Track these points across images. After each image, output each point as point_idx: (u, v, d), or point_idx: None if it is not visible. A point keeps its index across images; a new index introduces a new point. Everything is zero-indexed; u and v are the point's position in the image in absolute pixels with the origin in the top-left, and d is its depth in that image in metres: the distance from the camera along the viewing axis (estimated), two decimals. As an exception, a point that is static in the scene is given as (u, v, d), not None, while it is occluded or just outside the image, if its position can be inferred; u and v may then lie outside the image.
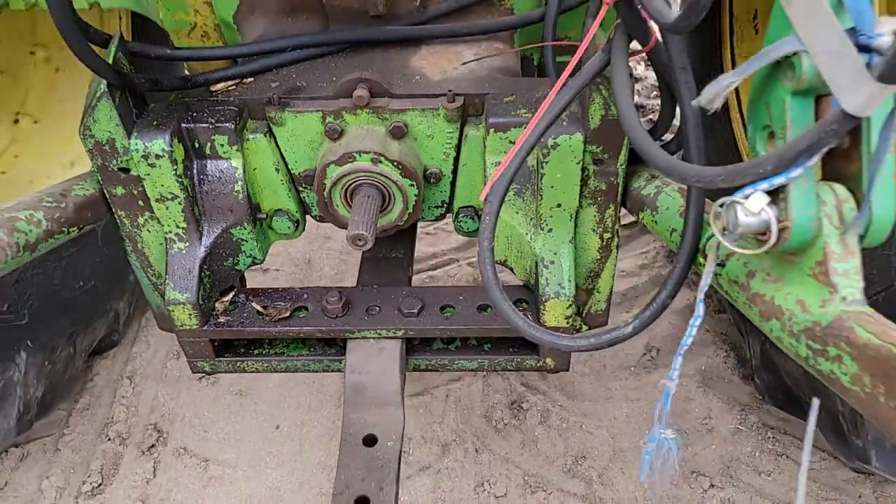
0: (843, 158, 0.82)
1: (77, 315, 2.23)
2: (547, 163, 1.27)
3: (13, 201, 1.25)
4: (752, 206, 0.79)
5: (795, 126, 0.80)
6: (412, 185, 1.37)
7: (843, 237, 0.79)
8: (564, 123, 1.25)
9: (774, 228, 0.79)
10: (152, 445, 2.24)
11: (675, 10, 0.91)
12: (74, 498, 2.11)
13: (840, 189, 0.81)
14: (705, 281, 0.94)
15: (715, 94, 0.86)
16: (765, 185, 0.78)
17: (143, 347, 2.55)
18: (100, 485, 2.14)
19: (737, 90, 2.50)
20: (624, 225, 2.91)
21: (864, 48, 0.71)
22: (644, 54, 1.13)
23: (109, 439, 2.26)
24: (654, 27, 1.09)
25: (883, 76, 0.65)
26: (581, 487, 2.06)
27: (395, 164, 1.33)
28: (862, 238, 0.80)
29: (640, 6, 1.01)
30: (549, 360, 1.50)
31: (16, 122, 2.58)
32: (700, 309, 0.97)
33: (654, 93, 3.75)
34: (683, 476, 2.07)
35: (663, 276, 2.71)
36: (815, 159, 0.75)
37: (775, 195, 0.80)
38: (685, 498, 2.02)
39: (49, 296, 2.08)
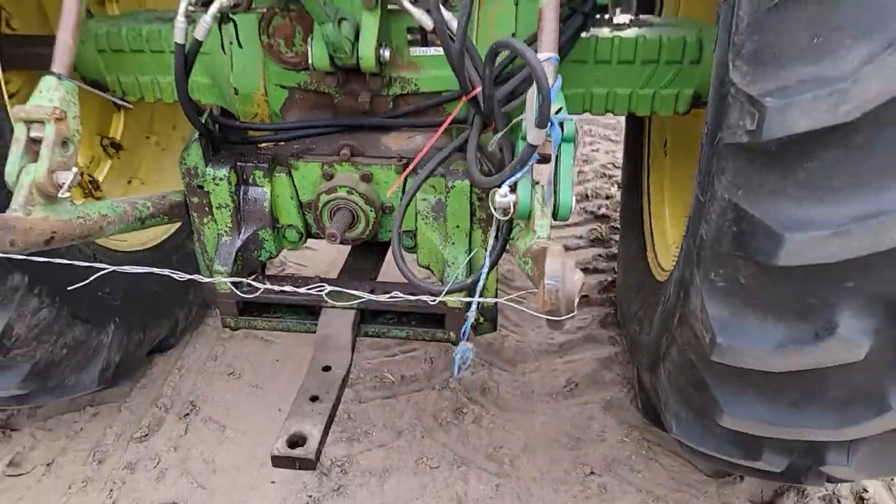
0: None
1: (150, 312, 3.03)
2: (449, 197, 2.05)
3: (139, 195, 2.10)
4: (501, 192, 1.54)
5: (518, 153, 1.57)
6: (372, 211, 2.16)
7: (543, 209, 1.53)
8: (460, 173, 2.04)
9: (511, 205, 1.54)
10: (187, 414, 2.95)
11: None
12: (127, 441, 2.83)
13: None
14: (491, 243, 1.69)
15: (497, 140, 1.65)
16: (508, 182, 1.54)
17: (191, 351, 3.32)
18: (146, 435, 2.86)
19: (650, 206, 3.25)
20: (572, 298, 3.61)
21: (543, 116, 1.49)
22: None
23: (157, 407, 2.99)
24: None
25: (537, 125, 1.43)
26: (495, 467, 2.66)
27: (362, 195, 2.14)
28: (555, 213, 1.54)
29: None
30: (451, 334, 2.21)
31: (129, 182, 3.53)
32: (487, 261, 1.71)
33: (602, 174, 4.60)
34: (573, 465, 2.65)
35: (596, 335, 3.37)
36: (526, 169, 1.51)
37: (514, 189, 1.55)
38: (570, 479, 2.60)
39: (135, 293, 2.89)
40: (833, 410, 1.71)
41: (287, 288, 1.92)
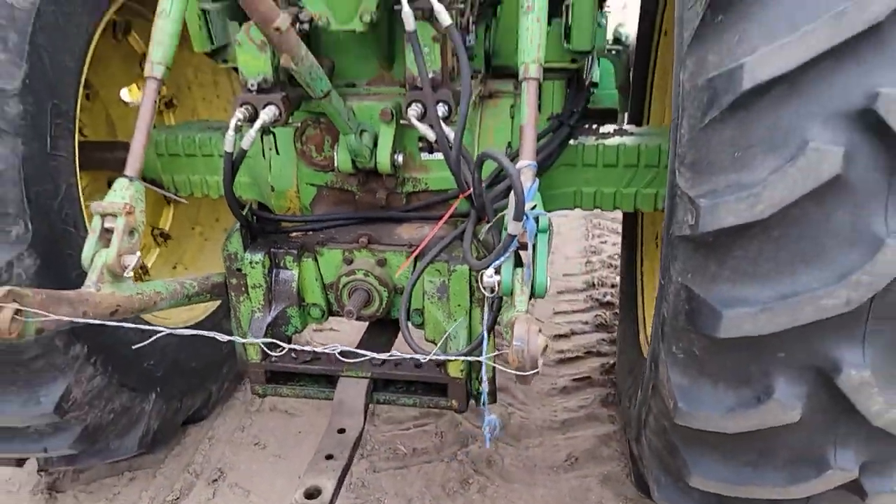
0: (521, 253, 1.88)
1: (187, 385, 3.32)
2: (451, 280, 2.36)
3: (187, 276, 2.44)
4: (488, 274, 1.84)
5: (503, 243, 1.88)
6: (385, 291, 2.47)
7: (523, 288, 1.82)
8: (461, 258, 2.35)
9: (496, 284, 1.84)
10: (215, 480, 3.19)
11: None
12: None
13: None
14: (486, 319, 1.97)
15: (486, 230, 1.97)
16: (493, 265, 1.84)
17: (221, 422, 3.58)
18: (178, 498, 3.09)
19: (643, 292, 3.51)
20: (575, 379, 3.83)
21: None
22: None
23: (189, 473, 3.24)
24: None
25: (514, 219, 1.75)
26: (496, 534, 2.84)
27: (377, 278, 2.46)
28: (533, 291, 1.83)
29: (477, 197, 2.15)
30: (453, 402, 2.46)
31: (174, 268, 3.91)
32: (484, 337, 1.98)
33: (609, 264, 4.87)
34: (569, 532, 2.82)
35: (597, 414, 3.56)
36: (507, 255, 1.82)
37: (498, 271, 1.85)
38: (566, 546, 2.76)
39: (175, 366, 3.20)
40: (784, 470, 1.91)
41: (307, 348, 2.20)
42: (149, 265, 3.77)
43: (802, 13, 1.56)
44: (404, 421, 3.49)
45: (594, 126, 2.89)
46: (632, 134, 2.82)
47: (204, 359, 3.42)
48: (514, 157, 2.17)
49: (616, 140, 2.76)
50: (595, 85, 5.09)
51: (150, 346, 3.02)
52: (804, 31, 1.54)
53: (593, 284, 4.84)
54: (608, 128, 2.88)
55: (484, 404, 2.07)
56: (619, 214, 5.76)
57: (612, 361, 3.89)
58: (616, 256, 5.21)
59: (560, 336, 4.23)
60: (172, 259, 3.91)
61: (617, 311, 4.36)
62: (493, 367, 2.50)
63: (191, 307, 3.39)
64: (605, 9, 4.36)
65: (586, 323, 4.39)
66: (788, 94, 1.58)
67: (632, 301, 3.51)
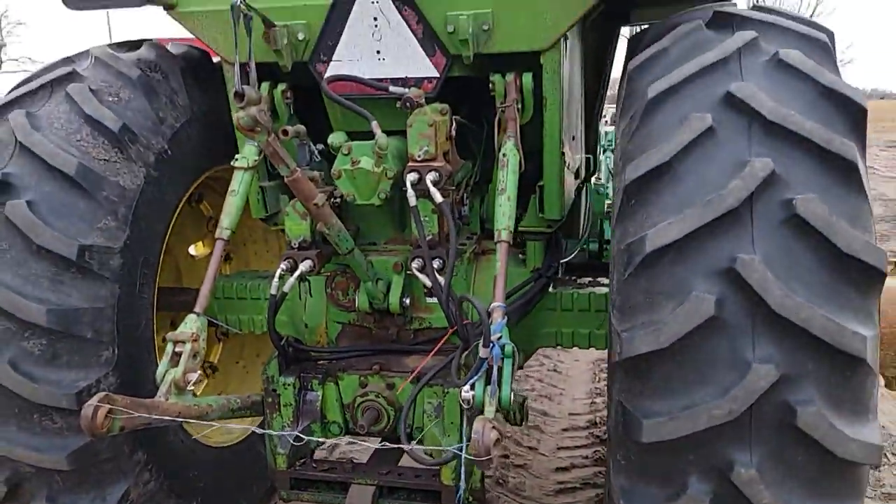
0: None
1: (222, 499, 3.77)
2: (445, 400, 2.87)
3: (233, 395, 3.01)
4: (465, 389, 2.36)
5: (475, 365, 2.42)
6: (392, 410, 2.99)
7: (491, 401, 2.33)
8: (454, 381, 2.87)
9: (471, 398, 2.35)
10: (240, 587, 3.55)
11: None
12: None
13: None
14: (464, 426, 2.47)
15: (465, 356, 2.52)
16: (469, 383, 2.37)
17: (249, 537, 3.98)
18: None
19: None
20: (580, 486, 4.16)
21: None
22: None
23: (217, 580, 3.61)
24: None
25: (483, 346, 2.30)
26: None
27: (386, 399, 2.99)
28: (500, 403, 2.33)
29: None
30: (446, 508, 2.88)
31: (220, 393, 4.47)
32: (464, 439, 2.47)
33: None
34: None
35: (588, 539, 3.86)
36: (479, 375, 2.35)
37: (474, 387, 2.37)
38: None
39: (214, 480, 3.64)
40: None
41: (326, 440, 2.71)
42: (198, 392, 4.33)
43: (684, 200, 2.19)
44: (412, 540, 3.83)
45: (572, 277, 3.50)
46: (602, 284, 3.41)
47: (236, 477, 3.89)
48: None
49: (588, 290, 3.35)
50: (608, 242, 5.81)
51: (194, 460, 3.56)
52: (685, 213, 2.16)
53: (595, 423, 5.22)
54: (583, 279, 3.48)
55: (459, 494, 2.52)
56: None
57: (605, 491, 4.22)
58: (619, 397, 5.61)
59: (561, 469, 4.59)
60: (218, 388, 4.47)
61: (613, 445, 4.72)
62: (482, 479, 2.95)
63: (230, 432, 3.91)
64: (596, 178, 5.15)
65: (587, 458, 4.74)
66: (678, 257, 2.17)
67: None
